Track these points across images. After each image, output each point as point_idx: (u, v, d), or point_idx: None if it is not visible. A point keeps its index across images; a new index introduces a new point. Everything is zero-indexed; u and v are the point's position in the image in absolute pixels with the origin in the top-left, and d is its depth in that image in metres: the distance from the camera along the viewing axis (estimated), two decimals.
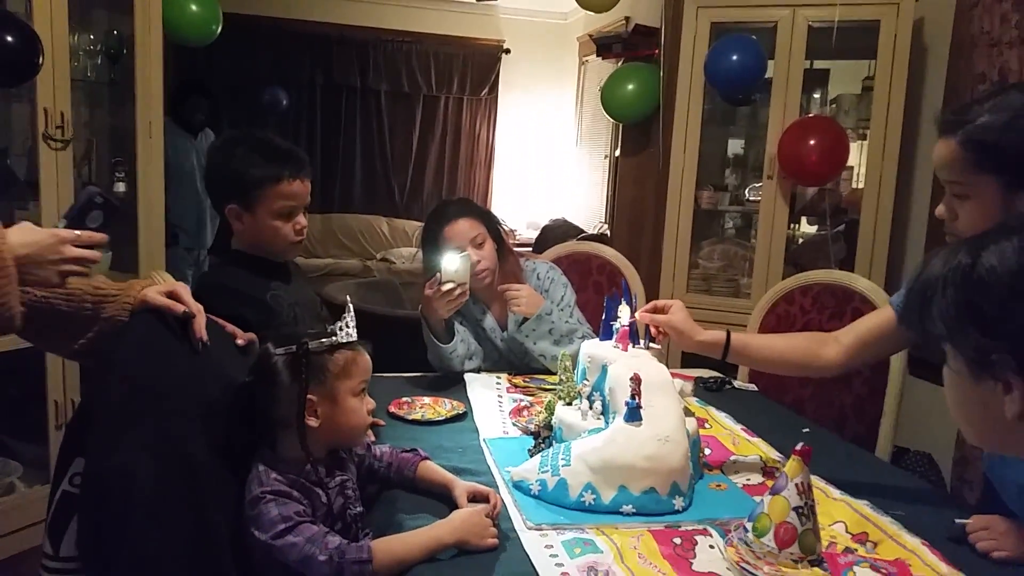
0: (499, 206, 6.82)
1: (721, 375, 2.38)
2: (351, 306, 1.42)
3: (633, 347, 1.65)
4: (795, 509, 1.23)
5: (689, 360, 3.30)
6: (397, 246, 6.50)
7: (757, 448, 1.76)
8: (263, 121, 6.17)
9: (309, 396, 1.31)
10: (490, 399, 2.00)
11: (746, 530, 1.28)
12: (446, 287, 2.03)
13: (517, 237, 6.40)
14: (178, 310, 1.29)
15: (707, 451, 1.72)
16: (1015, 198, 1.35)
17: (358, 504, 1.40)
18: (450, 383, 2.13)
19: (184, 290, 1.32)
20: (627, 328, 1.65)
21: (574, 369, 1.69)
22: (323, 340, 1.34)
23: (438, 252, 2.23)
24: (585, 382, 1.65)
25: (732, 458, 1.70)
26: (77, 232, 1.17)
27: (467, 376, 2.17)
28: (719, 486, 1.58)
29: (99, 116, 3.16)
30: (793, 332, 2.39)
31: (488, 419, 1.86)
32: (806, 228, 3.74)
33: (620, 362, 1.56)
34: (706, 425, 1.90)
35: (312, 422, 1.32)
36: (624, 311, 1.66)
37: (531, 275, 2.35)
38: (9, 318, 1.09)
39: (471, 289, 2.18)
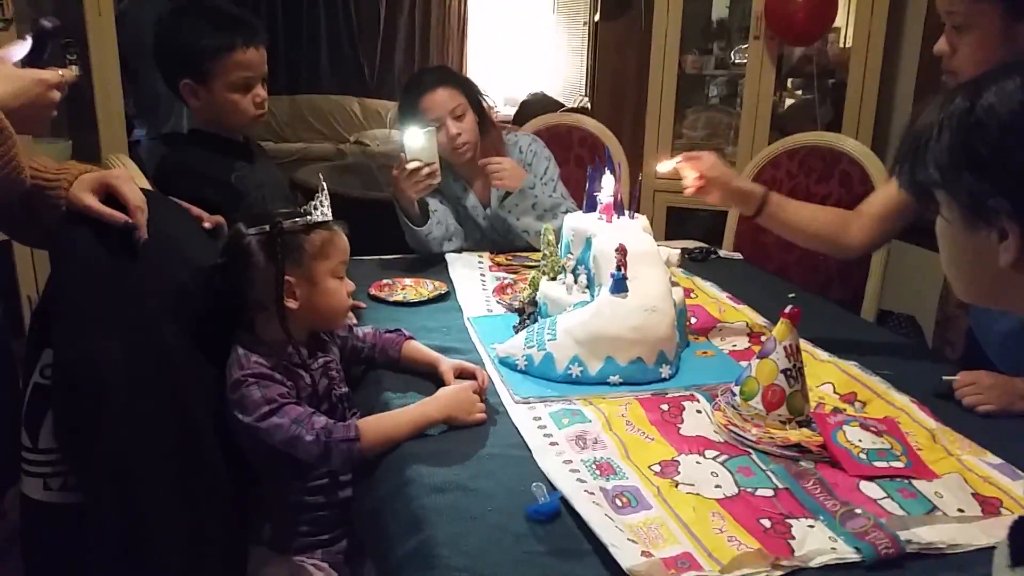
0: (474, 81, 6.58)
1: (706, 245, 2.35)
2: (324, 185, 1.36)
3: (618, 218, 1.61)
4: (783, 371, 1.22)
5: (673, 232, 3.29)
6: (371, 128, 6.30)
7: (743, 315, 1.75)
8: None
9: (287, 277, 1.26)
10: (473, 278, 1.97)
11: (733, 394, 1.27)
12: (411, 166, 1.95)
13: (496, 114, 6.23)
14: (118, 221, 1.17)
15: (693, 320, 1.71)
16: (1016, 27, 1.31)
17: (343, 385, 1.38)
18: (431, 264, 2.09)
19: (122, 181, 1.20)
20: (612, 200, 1.59)
21: (558, 243, 1.65)
22: (298, 220, 1.28)
23: (413, 123, 2.14)
24: (569, 256, 1.61)
25: (718, 325, 1.69)
26: (59, 72, 1.08)
27: (448, 256, 2.13)
28: (706, 353, 1.58)
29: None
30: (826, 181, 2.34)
31: (471, 298, 1.83)
32: (792, 96, 3.64)
33: (605, 234, 1.51)
34: (692, 295, 1.89)
35: (291, 304, 1.28)
36: (608, 181, 1.60)
37: (513, 148, 2.27)
38: (20, 180, 1.05)
39: (452, 165, 2.10)
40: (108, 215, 1.17)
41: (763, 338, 1.56)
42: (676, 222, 3.40)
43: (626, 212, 1.64)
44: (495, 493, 1.08)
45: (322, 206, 1.34)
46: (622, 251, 1.43)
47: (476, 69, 6.87)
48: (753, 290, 1.92)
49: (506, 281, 1.91)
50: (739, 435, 1.22)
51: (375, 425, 1.24)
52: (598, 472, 1.12)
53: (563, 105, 5.83)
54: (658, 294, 1.45)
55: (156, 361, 1.20)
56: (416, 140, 1.95)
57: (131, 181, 1.22)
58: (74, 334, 1.15)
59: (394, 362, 1.47)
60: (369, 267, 2.04)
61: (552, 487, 1.08)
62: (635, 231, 1.55)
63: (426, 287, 1.89)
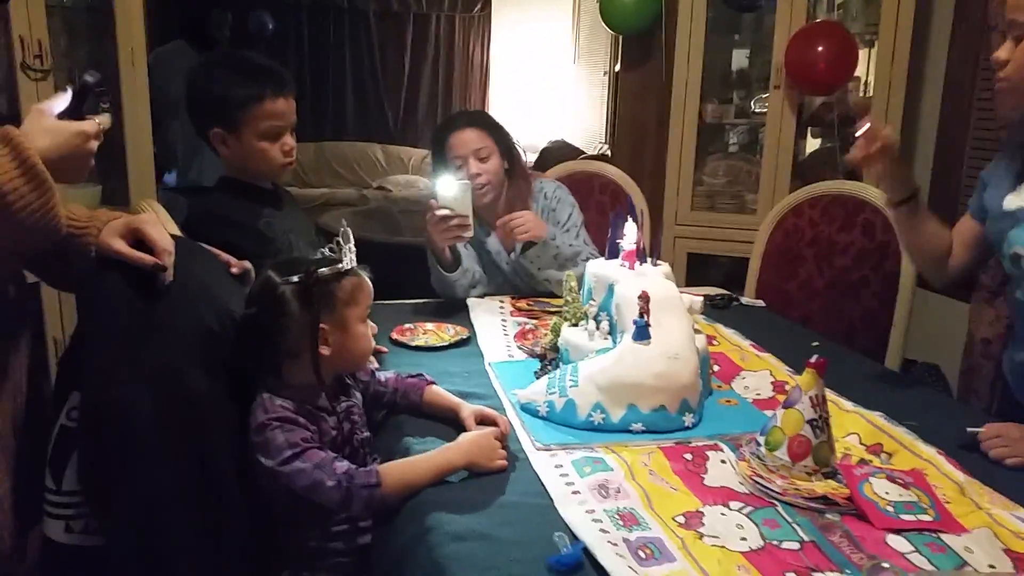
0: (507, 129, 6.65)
1: (728, 292, 2.34)
2: (349, 232, 1.38)
3: (640, 265, 1.61)
4: (809, 422, 1.21)
5: (694, 278, 3.28)
6: (393, 173, 6.40)
7: (766, 363, 1.73)
8: (249, 47, 5.99)
9: (321, 325, 1.28)
10: (494, 323, 1.97)
11: (758, 444, 1.26)
12: (440, 212, 1.97)
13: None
14: (146, 264, 1.20)
15: (716, 367, 1.70)
16: None
17: (364, 429, 1.39)
18: (453, 308, 2.10)
19: (150, 225, 1.23)
20: (634, 247, 1.60)
21: (580, 290, 1.66)
22: (331, 267, 1.30)
23: (443, 164, 2.17)
24: (592, 302, 1.61)
25: (742, 374, 1.68)
26: (97, 121, 1.11)
27: (470, 301, 2.14)
28: (729, 402, 1.56)
29: (79, 45, 3.05)
30: (802, 243, 2.36)
31: (493, 343, 1.84)
32: (811, 144, 3.65)
33: (627, 281, 1.52)
34: (714, 342, 1.88)
35: (324, 351, 1.29)
36: (630, 228, 1.61)
37: (538, 194, 2.29)
38: (57, 229, 1.08)
39: (476, 209, 2.12)
40: (136, 258, 1.19)
41: (787, 387, 1.56)
42: (697, 268, 3.40)
43: (648, 259, 1.64)
44: (517, 542, 1.07)
45: (350, 252, 1.37)
46: (645, 298, 1.43)
47: (498, 117, 6.96)
48: (776, 338, 1.91)
49: (527, 327, 1.92)
50: (764, 486, 1.21)
51: (396, 471, 1.23)
52: (621, 522, 1.11)
53: (583, 152, 5.88)
54: (681, 341, 1.44)
55: (182, 405, 1.21)
56: (448, 189, 1.97)
57: (159, 225, 1.24)
58: (103, 378, 1.17)
59: (415, 407, 1.47)
60: (391, 311, 2.05)
61: (574, 537, 1.07)
62: (657, 278, 1.56)
63: (447, 331, 1.90)
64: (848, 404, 1.50)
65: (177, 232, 1.77)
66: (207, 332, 1.28)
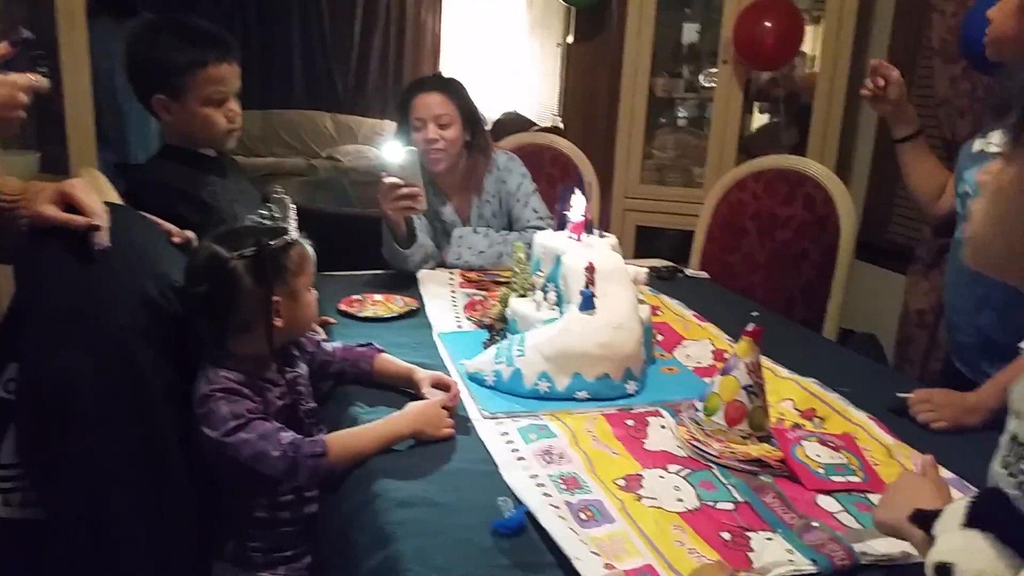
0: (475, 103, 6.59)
1: (673, 264, 2.38)
2: (287, 199, 1.37)
3: (587, 236, 1.63)
4: (745, 388, 1.25)
5: (642, 250, 3.33)
6: (343, 143, 6.29)
7: (708, 332, 1.78)
8: (193, 11, 5.80)
9: (274, 297, 1.28)
10: (443, 295, 1.98)
11: (696, 409, 1.30)
12: (388, 181, 1.96)
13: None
14: (78, 224, 1.17)
15: (659, 337, 1.74)
16: None
17: (310, 400, 1.39)
18: (402, 280, 2.10)
19: (81, 190, 1.20)
20: (581, 219, 1.62)
21: (528, 261, 1.67)
22: (279, 238, 1.29)
23: (405, 124, 2.17)
24: (539, 273, 1.63)
25: (683, 343, 1.72)
26: (30, 76, 1.08)
27: (420, 273, 2.14)
28: (671, 370, 1.61)
29: (16, 7, 2.93)
30: (745, 217, 2.41)
31: (441, 314, 1.85)
32: (758, 119, 3.70)
33: (573, 252, 1.54)
34: (658, 312, 1.91)
35: (278, 322, 1.29)
36: (578, 201, 1.62)
37: (491, 165, 2.30)
38: None
39: (433, 177, 2.12)
40: (65, 219, 1.16)
41: (727, 355, 1.60)
42: (645, 241, 3.44)
43: (595, 231, 1.67)
44: (461, 507, 1.09)
45: (294, 220, 1.36)
46: (591, 269, 1.45)
47: None
48: (718, 308, 1.95)
49: (476, 298, 1.93)
50: (701, 450, 1.25)
51: (342, 441, 1.24)
52: (564, 486, 1.14)
53: (535, 124, 5.88)
54: (625, 312, 1.47)
55: (125, 375, 1.20)
56: (395, 156, 1.95)
57: (90, 190, 1.21)
58: (42, 349, 1.15)
59: (366, 375, 1.48)
60: (340, 283, 2.04)
61: (518, 501, 1.09)
62: (604, 250, 1.58)
63: (396, 303, 1.90)
64: (784, 371, 1.55)
65: (117, 200, 1.74)
66: (148, 301, 1.26)
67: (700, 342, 1.72)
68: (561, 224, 1.66)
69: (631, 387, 1.45)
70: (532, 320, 1.55)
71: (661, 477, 1.18)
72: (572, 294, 1.48)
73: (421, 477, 1.17)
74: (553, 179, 2.77)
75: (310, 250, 1.37)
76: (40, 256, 1.18)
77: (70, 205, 1.18)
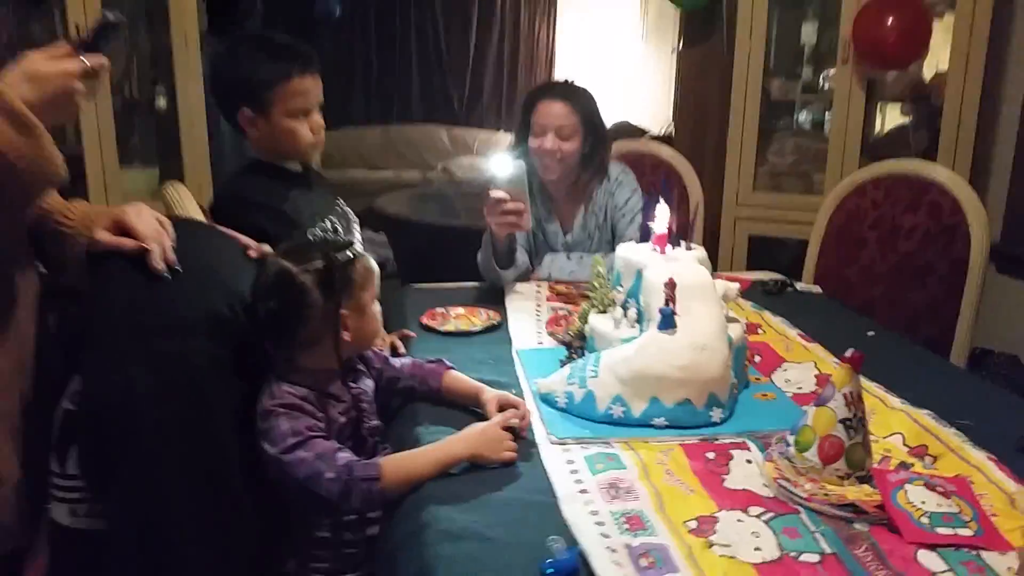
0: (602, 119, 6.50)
1: (783, 277, 2.21)
2: (350, 212, 1.34)
3: (672, 249, 1.52)
4: (842, 421, 1.11)
5: (756, 262, 3.14)
6: (458, 155, 6.36)
7: (813, 354, 1.62)
8: (314, 32, 6.02)
9: (342, 311, 1.25)
10: (528, 308, 1.91)
11: (787, 444, 1.17)
12: (493, 194, 1.90)
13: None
14: (127, 247, 1.19)
15: (757, 359, 1.60)
16: None
17: (373, 418, 1.34)
18: (489, 291, 2.04)
19: (133, 216, 1.22)
20: (666, 230, 1.51)
21: (609, 274, 1.58)
22: (346, 252, 1.27)
23: (525, 128, 2.11)
24: (619, 288, 1.53)
25: (783, 365, 1.58)
26: (83, 61, 1.09)
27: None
28: (766, 396, 1.47)
29: (136, 31, 3.10)
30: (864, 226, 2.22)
31: (523, 329, 1.77)
32: (888, 121, 3.43)
33: (656, 266, 1.43)
34: (759, 330, 1.77)
35: (345, 336, 1.27)
36: (662, 211, 1.51)
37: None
38: (53, 173, 1.06)
39: (543, 186, 2.06)
40: (116, 244, 1.18)
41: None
42: (759, 251, 3.25)
43: (681, 243, 1.55)
44: (510, 544, 1.01)
45: (359, 234, 1.33)
46: (671, 285, 1.34)
47: None
48: (829, 327, 1.79)
49: (561, 312, 1.84)
50: (790, 490, 1.12)
51: (398, 464, 1.19)
52: (626, 526, 1.04)
53: (645, 132, 5.73)
54: (710, 331, 1.35)
55: (186, 391, 1.19)
56: (502, 169, 1.88)
57: (143, 214, 1.22)
58: (102, 364, 1.15)
59: (435, 393, 1.43)
60: (425, 295, 2.01)
61: (573, 540, 1.00)
62: (689, 263, 1.47)
63: (479, 316, 1.84)
64: (896, 401, 1.38)
65: (198, 216, 1.77)
66: (215, 317, 1.25)
67: (803, 365, 1.57)
68: (645, 236, 1.55)
69: (716, 415, 1.33)
70: (610, 338, 1.45)
71: (739, 520, 1.06)
72: (653, 311, 1.37)
73: (474, 507, 1.10)
74: (654, 188, 2.65)
75: (373, 263, 1.34)
76: (102, 274, 1.19)
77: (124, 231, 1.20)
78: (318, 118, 1.74)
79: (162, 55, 3.00)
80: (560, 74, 6.81)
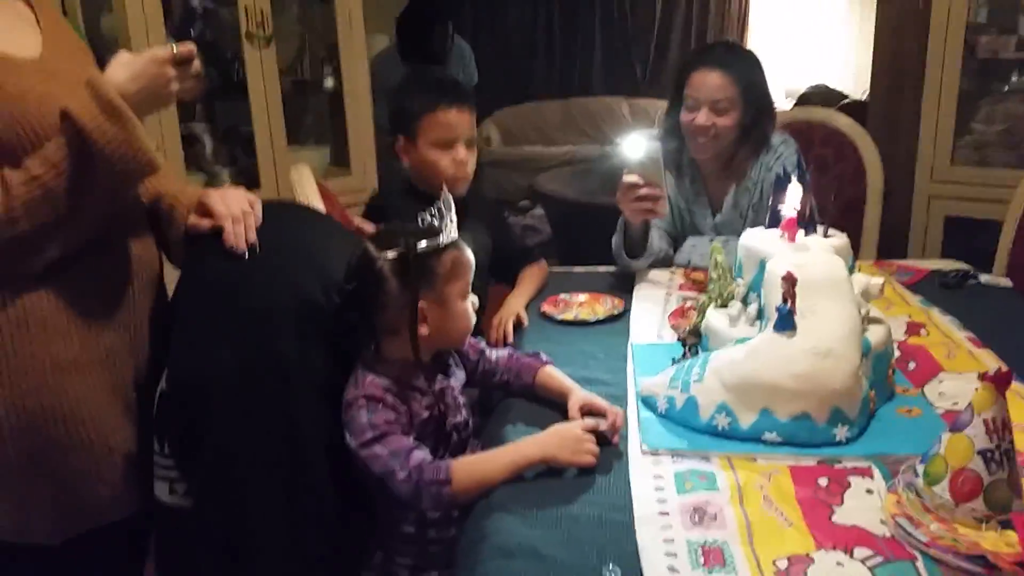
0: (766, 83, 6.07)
1: (967, 267, 1.91)
2: (451, 199, 1.28)
3: (805, 236, 1.34)
4: (981, 453, 0.92)
5: (952, 248, 2.75)
6: (638, 128, 6.16)
7: (980, 363, 1.37)
8: (500, 4, 6.02)
9: (420, 303, 1.20)
10: (655, 298, 1.77)
11: (916, 474, 0.98)
12: (628, 179, 1.78)
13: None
14: (203, 228, 1.22)
15: (910, 366, 1.38)
16: None
17: (459, 413, 1.29)
18: (622, 275, 1.92)
19: (218, 197, 1.23)
20: (796, 214, 1.33)
21: (729, 264, 1.42)
22: (430, 241, 1.21)
23: (678, 98, 1.94)
24: (740, 280, 1.37)
25: (940, 375, 1.35)
26: (173, 48, 1.12)
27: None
28: (911, 411, 1.25)
29: (310, 13, 3.23)
30: None
31: (645, 321, 1.65)
32: None
33: (781, 256, 1.26)
34: (922, 332, 1.53)
35: (423, 330, 1.22)
36: (793, 191, 1.33)
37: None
38: (146, 161, 1.09)
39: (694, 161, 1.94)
40: (194, 224, 1.22)
41: None
42: (958, 236, 2.85)
43: (819, 227, 1.36)
44: (565, 566, 0.93)
45: (451, 223, 1.27)
46: (790, 280, 1.17)
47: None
48: (1011, 331, 1.52)
49: (688, 303, 1.69)
50: (908, 531, 0.94)
51: (469, 467, 1.13)
52: (701, 560, 0.92)
53: (845, 97, 5.25)
54: (837, 335, 1.17)
55: (269, 373, 1.19)
56: (634, 151, 1.75)
57: (228, 196, 1.23)
58: (186, 345, 1.19)
59: (528, 389, 1.36)
60: (556, 279, 1.93)
61: (637, 570, 0.89)
62: (822, 253, 1.28)
63: (603, 304, 1.74)
64: None
65: (316, 201, 1.80)
66: (304, 299, 1.24)
67: (964, 376, 1.33)
68: (774, 220, 1.38)
69: (841, 432, 1.15)
70: (724, 337, 1.30)
71: (839, 564, 0.90)
72: (771, 309, 1.21)
73: (538, 520, 1.02)
74: (825, 164, 2.39)
75: (468, 255, 1.27)
76: (194, 256, 1.22)
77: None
78: (462, 151, 1.75)
79: (326, 36, 3.10)
80: (754, 38, 6.38)
